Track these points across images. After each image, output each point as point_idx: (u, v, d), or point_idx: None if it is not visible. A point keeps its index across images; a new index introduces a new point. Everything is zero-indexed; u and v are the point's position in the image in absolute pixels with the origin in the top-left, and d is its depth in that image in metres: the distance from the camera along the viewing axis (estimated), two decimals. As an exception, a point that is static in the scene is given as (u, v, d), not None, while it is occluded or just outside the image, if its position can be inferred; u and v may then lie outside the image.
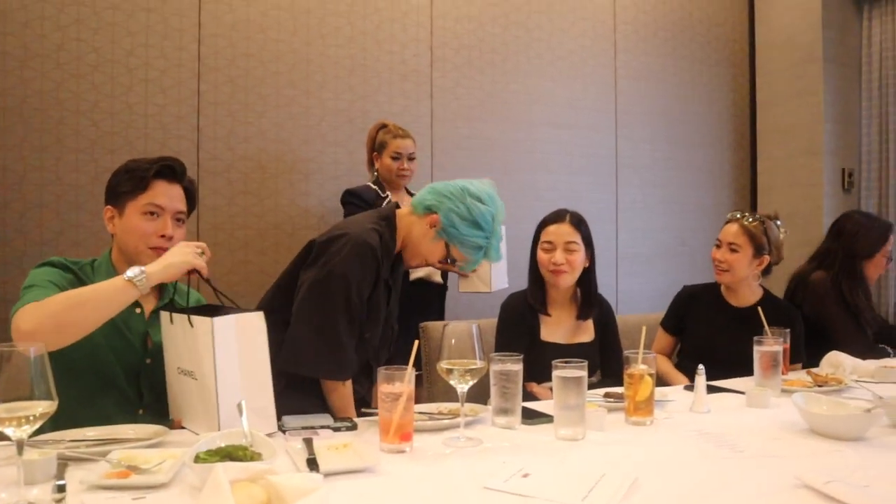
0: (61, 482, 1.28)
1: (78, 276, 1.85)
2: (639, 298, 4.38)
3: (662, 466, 1.45)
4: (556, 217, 2.48)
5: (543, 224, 2.49)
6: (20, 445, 1.21)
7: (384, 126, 3.36)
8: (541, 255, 2.43)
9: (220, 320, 1.60)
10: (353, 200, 3.26)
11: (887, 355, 2.81)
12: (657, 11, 4.60)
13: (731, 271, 2.68)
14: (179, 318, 1.70)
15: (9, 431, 1.19)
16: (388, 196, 3.28)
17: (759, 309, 2.44)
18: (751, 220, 2.69)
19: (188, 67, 3.44)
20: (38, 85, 3.19)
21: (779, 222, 2.75)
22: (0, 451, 1.49)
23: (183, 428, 1.74)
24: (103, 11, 3.29)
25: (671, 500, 1.24)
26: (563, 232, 2.42)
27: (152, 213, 1.87)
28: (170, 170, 1.91)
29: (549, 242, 2.42)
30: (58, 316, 1.61)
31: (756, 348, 2.15)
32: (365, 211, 3.10)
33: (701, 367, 1.96)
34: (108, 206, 1.92)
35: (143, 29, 3.35)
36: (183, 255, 1.72)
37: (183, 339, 1.70)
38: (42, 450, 1.41)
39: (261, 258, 3.54)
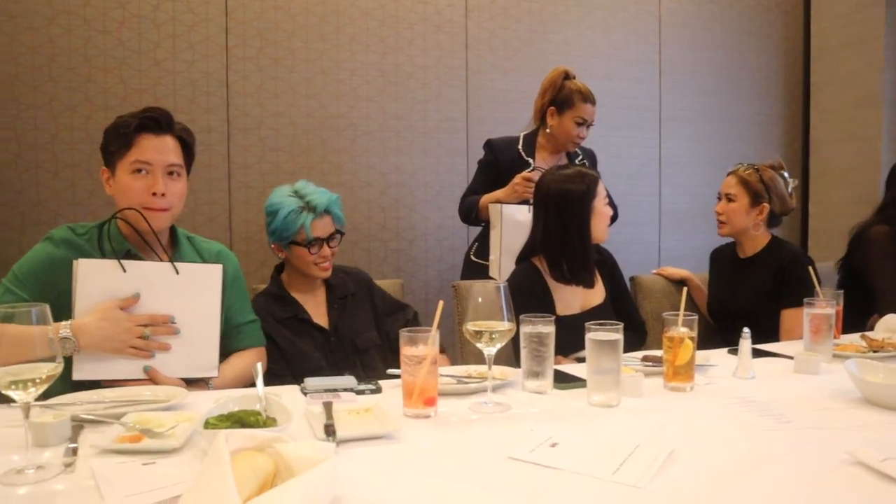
0: (73, 445, 1.25)
1: (79, 248, 1.78)
2: (682, 256, 4.23)
3: (701, 437, 1.35)
4: None
5: None
6: (26, 409, 1.17)
7: (569, 76, 2.93)
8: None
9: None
10: (486, 154, 2.99)
11: None
12: (705, -45, 4.36)
13: (729, 223, 2.68)
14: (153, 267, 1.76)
15: (15, 395, 1.15)
16: (532, 165, 2.89)
17: (810, 269, 2.31)
18: (748, 169, 2.68)
19: (216, 22, 3.36)
20: (66, 42, 3.15)
21: (785, 173, 2.71)
22: (17, 412, 1.46)
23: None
24: (129, -35, 3.22)
25: (709, 475, 1.15)
26: None
27: (140, 171, 1.79)
28: (154, 122, 1.81)
29: None
30: None
31: (806, 310, 2.03)
32: (488, 172, 2.96)
33: (746, 330, 1.85)
34: (104, 168, 1.87)
35: (170, -18, 3.28)
36: (121, 342, 1.66)
37: (154, 286, 1.73)
38: (57, 412, 1.38)
39: (293, 217, 3.49)
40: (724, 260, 2.80)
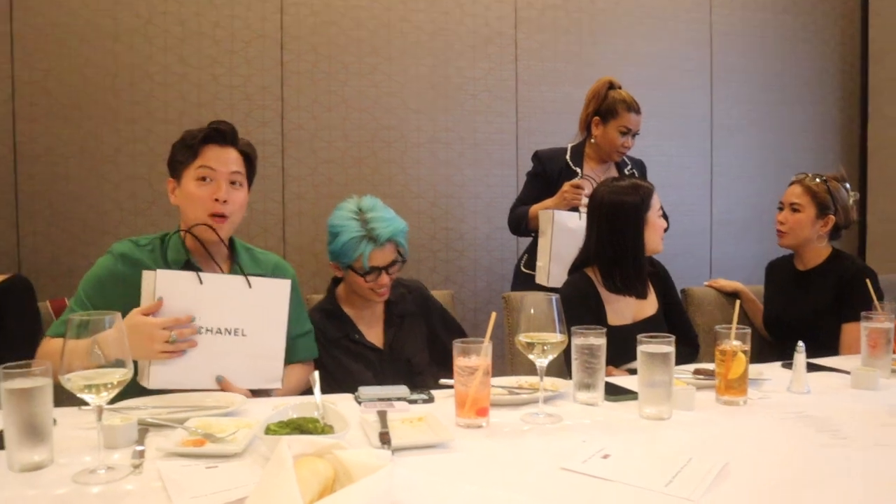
0: (140, 447, 1.30)
1: (137, 261, 1.86)
2: (734, 267, 4.17)
3: (755, 452, 1.34)
4: None
5: None
6: (100, 412, 1.23)
7: (613, 86, 2.95)
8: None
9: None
10: (535, 166, 3.01)
11: None
12: (758, -38, 4.31)
13: (792, 233, 2.60)
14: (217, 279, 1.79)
15: (88, 398, 1.21)
16: (580, 175, 2.90)
17: (868, 282, 2.26)
18: (815, 179, 2.60)
19: (272, 38, 3.45)
20: (128, 59, 3.27)
21: (847, 185, 2.63)
22: (86, 415, 1.53)
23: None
24: (189, -17, 3.33)
25: (763, 490, 1.14)
26: None
27: (205, 179, 1.87)
28: (219, 133, 1.89)
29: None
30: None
31: (863, 325, 1.99)
32: (536, 183, 2.97)
33: (801, 344, 1.82)
34: (170, 179, 1.95)
35: (228, 1, 3.38)
36: (148, 350, 1.65)
37: (227, 298, 1.76)
38: (124, 415, 1.44)
39: (344, 227, 3.55)
40: (782, 272, 2.73)
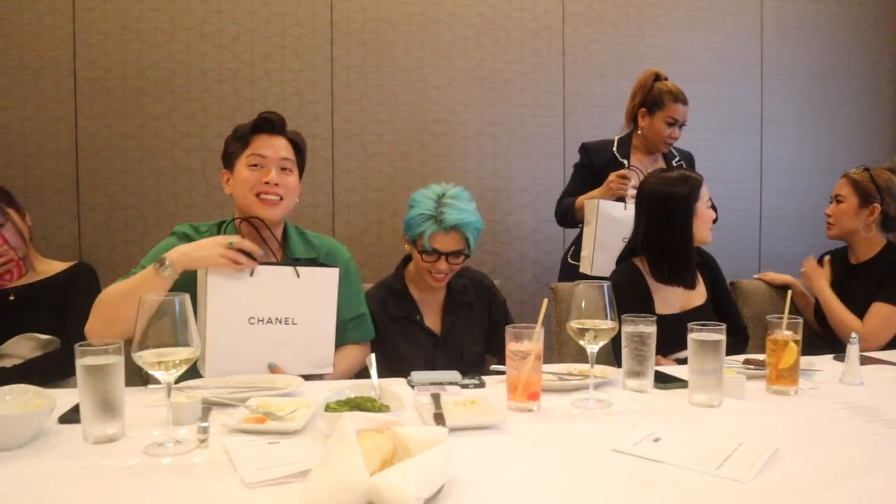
0: (205, 424, 1.36)
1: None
2: (784, 262, 4.11)
3: (806, 438, 1.35)
4: None
5: None
6: (169, 389, 1.29)
7: (659, 77, 2.94)
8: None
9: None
10: (581, 158, 3.04)
11: None
12: (811, -48, 4.23)
13: (838, 224, 2.62)
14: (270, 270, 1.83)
15: (158, 375, 1.27)
16: (627, 166, 2.90)
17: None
18: (859, 169, 2.60)
19: (322, 33, 3.51)
20: (185, 57, 3.37)
21: None
22: (153, 393, 1.61)
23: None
24: (243, -19, 3.41)
25: (815, 474, 1.15)
26: None
27: (256, 165, 1.96)
28: (267, 122, 1.98)
29: None
30: (106, 313, 1.75)
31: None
32: (584, 175, 2.99)
33: (854, 334, 1.81)
34: (224, 170, 2.04)
35: (280, -3, 3.46)
36: (209, 250, 1.74)
37: (277, 289, 1.81)
38: (188, 394, 1.50)
39: (393, 219, 3.61)
40: (835, 265, 2.71)
